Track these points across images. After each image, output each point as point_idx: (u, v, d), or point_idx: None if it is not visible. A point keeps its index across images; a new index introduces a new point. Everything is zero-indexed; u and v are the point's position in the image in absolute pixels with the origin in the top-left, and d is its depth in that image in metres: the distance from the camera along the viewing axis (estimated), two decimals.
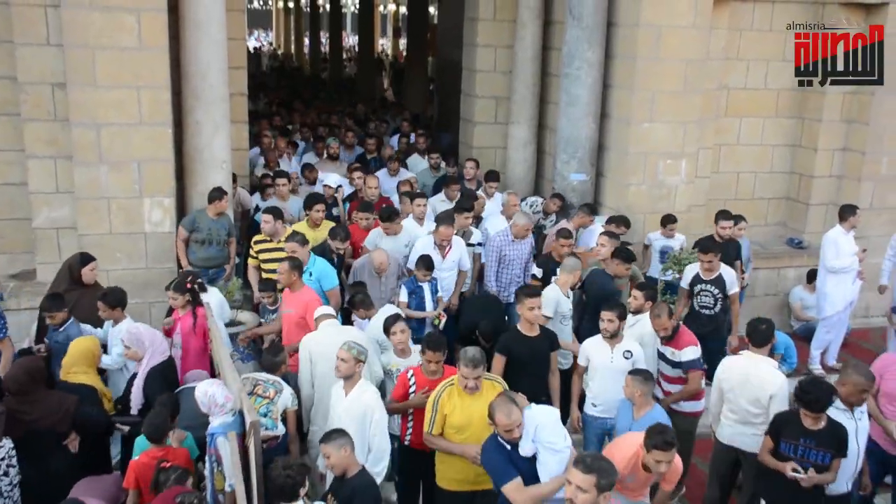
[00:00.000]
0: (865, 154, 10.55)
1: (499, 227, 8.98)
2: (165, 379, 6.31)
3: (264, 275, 8.20)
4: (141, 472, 5.26)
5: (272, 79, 25.05)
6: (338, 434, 5.03)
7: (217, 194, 8.44)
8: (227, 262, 8.69)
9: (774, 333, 6.44)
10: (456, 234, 8.50)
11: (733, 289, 8.08)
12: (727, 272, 8.07)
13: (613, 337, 6.54)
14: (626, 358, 6.49)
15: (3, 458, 5.30)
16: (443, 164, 11.08)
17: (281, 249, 7.85)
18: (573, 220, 9.28)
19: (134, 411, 6.24)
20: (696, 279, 8.12)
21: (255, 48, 35.61)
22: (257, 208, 9.79)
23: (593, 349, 6.66)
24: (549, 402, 6.40)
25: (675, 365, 6.70)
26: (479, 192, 10.02)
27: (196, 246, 8.51)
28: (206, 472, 5.32)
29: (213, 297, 7.35)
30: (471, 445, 5.47)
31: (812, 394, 5.47)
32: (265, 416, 5.80)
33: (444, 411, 5.58)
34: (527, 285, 7.45)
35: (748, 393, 6.12)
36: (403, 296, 7.97)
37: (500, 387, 5.65)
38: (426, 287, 8.04)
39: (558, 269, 7.78)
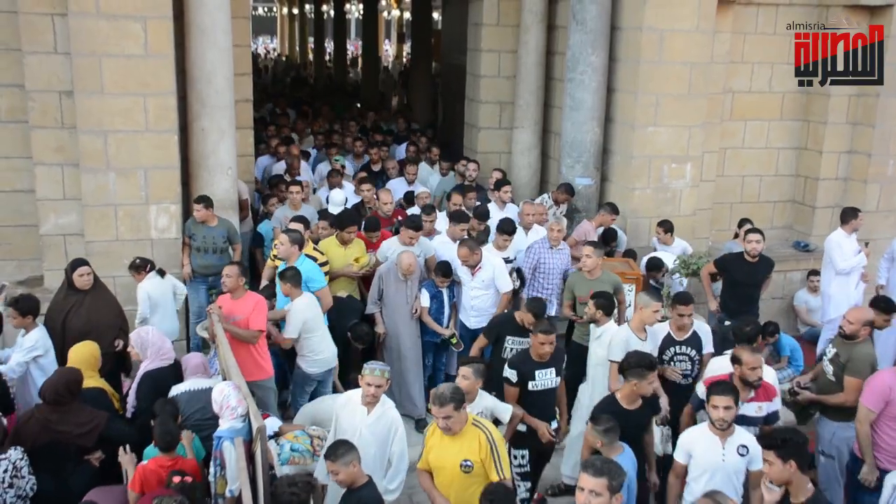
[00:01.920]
0: (871, 156, 10.54)
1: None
2: (157, 384, 6.25)
3: None
4: (147, 477, 5.27)
5: (284, 86, 24.75)
6: (344, 449, 4.85)
7: (196, 201, 8.45)
8: None
9: (762, 332, 6.54)
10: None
11: (708, 347, 6.91)
12: (701, 327, 6.98)
13: (726, 429, 5.40)
14: (741, 455, 5.38)
15: (6, 470, 5.28)
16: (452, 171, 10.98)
17: None
18: (595, 219, 9.23)
19: (128, 414, 6.28)
20: (668, 341, 6.81)
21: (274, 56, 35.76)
22: (265, 214, 9.75)
23: (698, 443, 5.47)
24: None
25: (761, 421, 6.00)
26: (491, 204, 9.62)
27: (195, 253, 8.55)
28: (210, 477, 5.33)
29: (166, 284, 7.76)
30: (442, 497, 5.15)
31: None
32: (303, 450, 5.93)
33: (428, 445, 5.28)
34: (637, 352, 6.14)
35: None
36: (425, 300, 7.90)
37: (485, 436, 5.09)
38: (445, 293, 7.97)
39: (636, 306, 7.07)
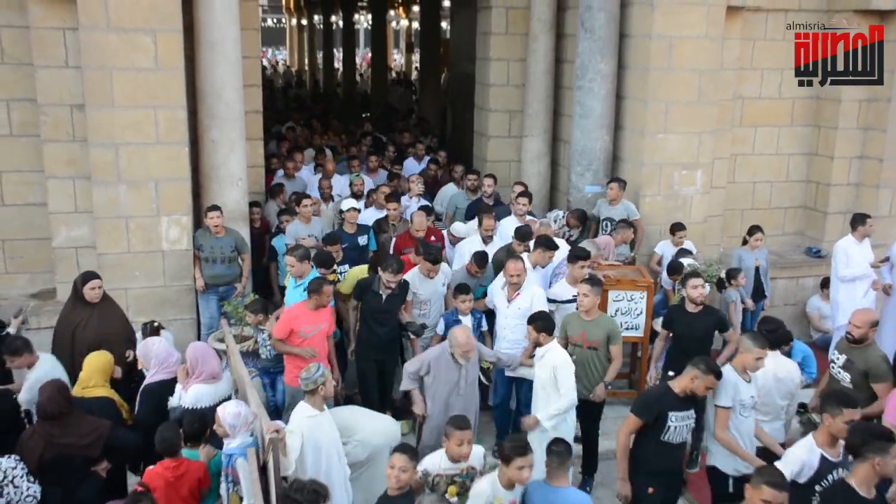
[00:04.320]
0: (883, 161, 10.47)
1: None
2: (156, 398, 6.23)
3: None
4: (154, 482, 5.28)
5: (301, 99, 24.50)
6: (411, 453, 5.02)
7: (212, 209, 8.48)
8: (238, 279, 8.69)
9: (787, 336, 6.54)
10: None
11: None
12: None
13: None
14: None
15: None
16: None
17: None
18: (615, 235, 9.14)
19: None
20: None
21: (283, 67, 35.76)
22: (277, 230, 9.72)
23: None
24: None
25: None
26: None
27: (204, 264, 8.57)
28: (222, 492, 5.33)
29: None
30: None
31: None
32: None
33: None
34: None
35: (782, 388, 6.39)
36: (440, 328, 7.59)
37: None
38: (467, 321, 7.41)
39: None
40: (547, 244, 7.98)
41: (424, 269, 7.88)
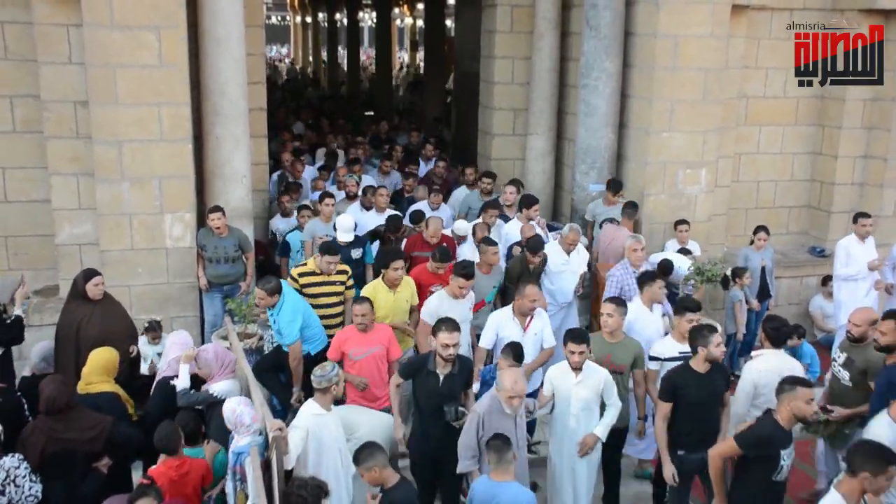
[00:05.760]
0: (888, 160, 10.45)
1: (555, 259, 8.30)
2: (166, 391, 6.31)
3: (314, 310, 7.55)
4: (159, 480, 5.26)
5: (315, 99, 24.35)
6: (366, 454, 4.96)
7: (213, 210, 8.46)
8: (243, 278, 8.67)
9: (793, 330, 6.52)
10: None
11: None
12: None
13: None
14: None
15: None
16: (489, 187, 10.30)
17: (332, 283, 7.71)
18: (623, 222, 9.16)
19: None
20: None
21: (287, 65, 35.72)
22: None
23: None
24: None
25: None
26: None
27: (208, 264, 8.55)
28: (229, 490, 5.34)
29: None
30: None
31: None
32: None
33: None
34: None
35: None
36: (475, 386, 6.41)
37: None
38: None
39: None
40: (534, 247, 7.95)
41: (454, 287, 6.97)
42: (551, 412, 6.24)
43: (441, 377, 5.90)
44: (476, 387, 6.40)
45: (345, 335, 6.86)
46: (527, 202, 9.24)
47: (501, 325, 6.87)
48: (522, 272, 8.02)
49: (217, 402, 5.91)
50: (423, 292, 7.61)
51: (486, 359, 7.03)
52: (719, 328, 6.02)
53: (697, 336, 5.84)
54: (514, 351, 6.24)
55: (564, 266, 8.36)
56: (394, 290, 7.41)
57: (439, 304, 7.05)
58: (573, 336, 6.07)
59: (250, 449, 5.14)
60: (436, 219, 8.67)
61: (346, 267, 7.92)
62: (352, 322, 6.94)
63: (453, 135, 15.17)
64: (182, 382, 6.17)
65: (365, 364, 6.74)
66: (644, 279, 7.37)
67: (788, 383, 5.30)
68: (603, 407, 6.21)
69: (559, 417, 6.20)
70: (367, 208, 9.64)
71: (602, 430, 6.15)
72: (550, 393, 6.17)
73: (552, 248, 8.46)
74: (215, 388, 6.15)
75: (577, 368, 6.00)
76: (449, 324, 5.87)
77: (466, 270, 6.98)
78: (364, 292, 7.33)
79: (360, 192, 10.00)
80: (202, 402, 6.14)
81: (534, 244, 8.13)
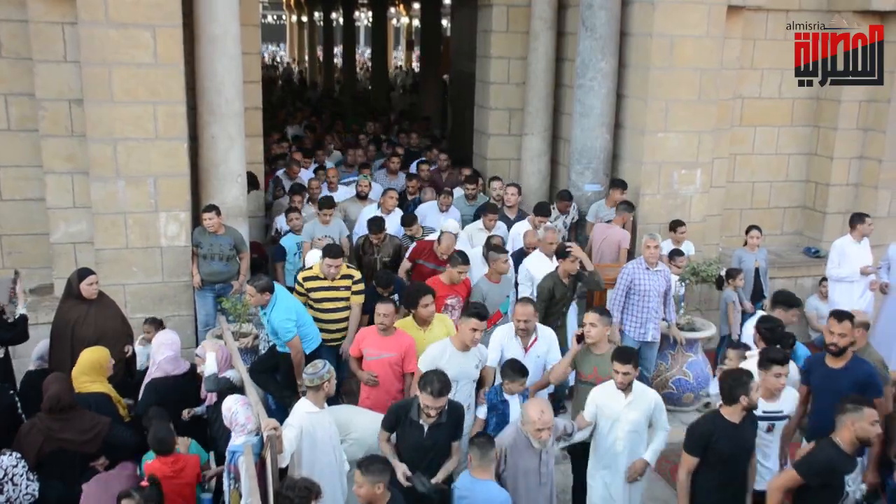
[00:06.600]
0: (882, 162, 10.48)
1: (541, 265, 8.12)
2: (157, 392, 6.27)
3: (317, 314, 7.57)
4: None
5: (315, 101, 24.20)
6: (378, 467, 4.79)
7: (208, 210, 8.42)
8: (236, 277, 8.64)
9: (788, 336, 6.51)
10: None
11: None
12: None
13: None
14: None
15: None
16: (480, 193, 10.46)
17: (336, 288, 7.66)
18: (614, 220, 9.19)
19: None
20: None
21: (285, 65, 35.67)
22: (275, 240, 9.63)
23: None
24: None
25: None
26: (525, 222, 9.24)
27: (201, 261, 8.52)
28: (225, 488, 5.34)
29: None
30: None
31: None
32: None
33: None
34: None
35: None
36: (482, 412, 6.11)
37: None
38: (514, 401, 6.03)
39: None
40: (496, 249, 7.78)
41: (465, 332, 6.14)
42: (591, 435, 5.86)
43: (426, 427, 5.41)
44: (482, 411, 6.10)
45: (365, 334, 6.77)
46: (541, 211, 9.09)
47: (505, 343, 6.55)
48: (555, 287, 7.57)
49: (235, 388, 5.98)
50: (437, 306, 7.07)
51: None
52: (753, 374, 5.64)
53: (737, 384, 5.27)
54: (513, 368, 6.00)
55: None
56: (424, 327, 6.79)
57: (440, 355, 6.16)
58: (619, 355, 5.68)
59: (244, 448, 5.15)
60: (448, 235, 8.25)
61: (351, 271, 7.82)
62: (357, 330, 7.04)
63: (449, 134, 15.18)
64: (210, 368, 6.17)
65: (376, 367, 6.57)
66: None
67: (852, 402, 4.97)
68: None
69: (602, 441, 5.80)
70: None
71: (651, 455, 5.83)
72: (593, 416, 5.78)
73: (535, 256, 8.35)
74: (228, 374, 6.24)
75: (624, 389, 5.66)
76: (437, 385, 5.26)
77: (479, 310, 6.20)
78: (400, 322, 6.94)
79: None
80: (228, 386, 6.08)
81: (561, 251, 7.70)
